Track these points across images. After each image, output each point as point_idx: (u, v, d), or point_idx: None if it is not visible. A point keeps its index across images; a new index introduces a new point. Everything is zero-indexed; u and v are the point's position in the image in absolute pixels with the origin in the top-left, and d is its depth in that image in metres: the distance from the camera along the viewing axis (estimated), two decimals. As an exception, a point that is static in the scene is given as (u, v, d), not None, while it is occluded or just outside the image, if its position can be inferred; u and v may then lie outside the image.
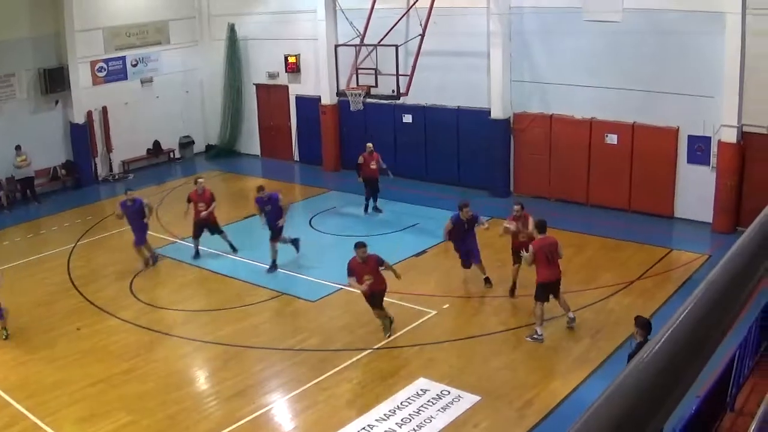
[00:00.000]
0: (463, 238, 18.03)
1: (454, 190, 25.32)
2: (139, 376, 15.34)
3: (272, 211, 20.03)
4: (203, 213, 21.02)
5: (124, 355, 16.30)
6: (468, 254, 18.13)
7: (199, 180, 21.73)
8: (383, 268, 15.81)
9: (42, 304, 18.99)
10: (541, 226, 15.69)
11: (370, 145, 23.70)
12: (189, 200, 21.36)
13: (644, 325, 11.33)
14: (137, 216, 20.43)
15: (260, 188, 20.58)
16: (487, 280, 18.16)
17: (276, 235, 20.22)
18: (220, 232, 21.54)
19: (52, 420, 13.89)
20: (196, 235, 21.34)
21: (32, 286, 20.12)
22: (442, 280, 18.08)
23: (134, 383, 15.05)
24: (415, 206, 23.99)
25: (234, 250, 21.51)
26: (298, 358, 15.47)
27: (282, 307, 18.17)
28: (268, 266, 20.17)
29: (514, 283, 17.45)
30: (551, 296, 15.58)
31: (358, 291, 15.89)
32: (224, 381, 14.92)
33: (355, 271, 15.63)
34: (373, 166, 23.42)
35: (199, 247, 21.42)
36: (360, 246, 15.56)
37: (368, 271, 15.48)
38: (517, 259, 17.01)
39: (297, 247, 20.86)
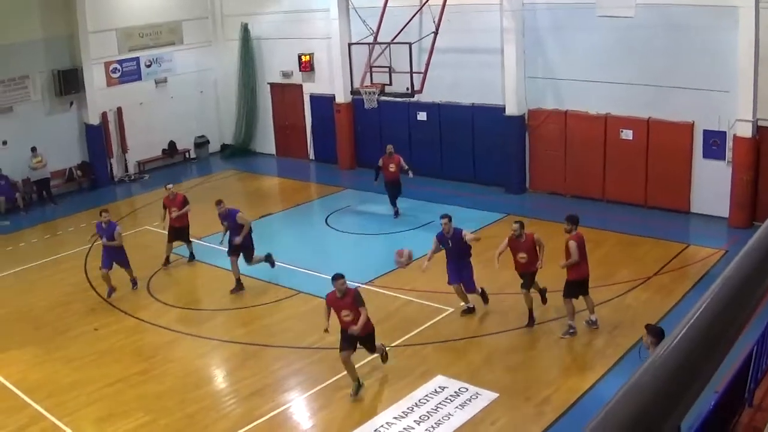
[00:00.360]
0: (450, 257, 16.60)
1: (470, 187, 25.40)
2: (157, 376, 15.40)
3: (232, 228, 19.20)
4: (173, 214, 20.96)
5: (141, 354, 16.41)
6: (457, 275, 16.52)
7: (168, 186, 21.58)
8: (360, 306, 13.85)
9: (59, 304, 19.10)
10: (575, 221, 15.43)
11: (389, 147, 23.50)
12: (164, 206, 21.35)
13: (657, 333, 11.12)
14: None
15: (219, 202, 19.37)
16: (469, 309, 16.87)
17: (233, 251, 19.15)
18: (188, 241, 21.36)
19: (70, 420, 13.98)
20: (170, 240, 21.17)
21: (49, 286, 20.25)
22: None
23: (152, 383, 15.11)
24: (431, 203, 23.84)
25: (192, 258, 21.41)
26: (316, 356, 15.48)
27: (299, 305, 18.12)
28: (232, 287, 19.28)
29: (531, 313, 16.04)
30: (580, 294, 15.49)
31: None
32: (242, 380, 14.96)
33: (332, 306, 14.00)
34: (392, 168, 23.18)
35: (171, 254, 21.29)
36: (337, 278, 13.76)
37: (346, 306, 13.82)
38: (528, 283, 15.90)
39: (272, 263, 19.70)
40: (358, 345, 14.02)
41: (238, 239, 18.88)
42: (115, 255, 19.21)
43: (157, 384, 15.07)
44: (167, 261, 21.20)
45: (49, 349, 16.93)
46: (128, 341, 17.12)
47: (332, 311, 13.96)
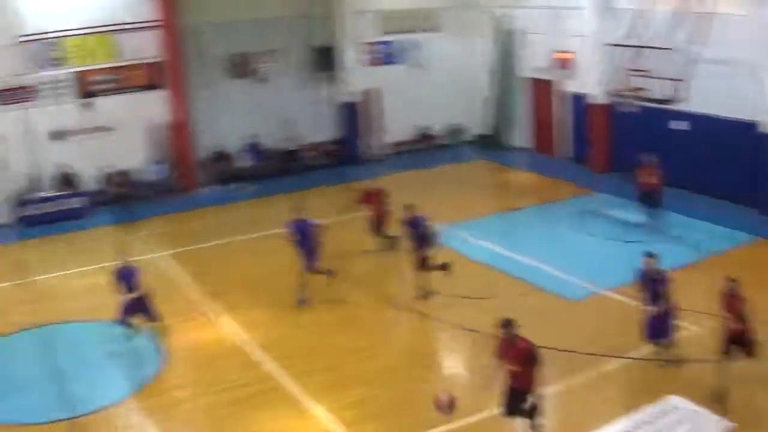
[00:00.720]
0: (649, 299, 14.69)
1: (722, 204, 24.13)
2: (388, 353, 15.72)
3: (418, 236, 18.34)
4: (370, 208, 21.14)
5: (375, 330, 16.94)
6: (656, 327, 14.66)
7: (367, 181, 22.04)
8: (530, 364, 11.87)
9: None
10: None
11: (647, 156, 22.34)
12: (361, 201, 21.53)
13: None
14: (307, 238, 18.32)
15: (408, 207, 18.76)
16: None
17: (420, 261, 18.36)
18: (385, 235, 21.24)
19: (301, 383, 14.60)
20: (374, 232, 21.24)
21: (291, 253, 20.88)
22: (707, 296, 15.92)
23: (381, 359, 15.51)
24: (681, 217, 22.93)
25: (392, 247, 21.02)
26: (547, 357, 15.15)
27: (538, 302, 17.78)
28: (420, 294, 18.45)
29: (722, 392, 13.49)
30: None
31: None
32: (474, 369, 14.92)
33: (499, 353, 12.10)
34: (648, 179, 22.11)
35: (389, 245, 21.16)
36: (504, 324, 11.92)
37: (512, 357, 11.94)
38: (727, 353, 13.71)
39: (446, 269, 18.65)
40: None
41: (427, 249, 18.28)
42: (309, 254, 18.50)
43: (386, 360, 15.37)
44: (379, 250, 21.29)
45: (288, 313, 17.75)
46: (363, 315, 17.58)
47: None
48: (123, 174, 28.19)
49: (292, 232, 18.48)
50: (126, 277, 16.38)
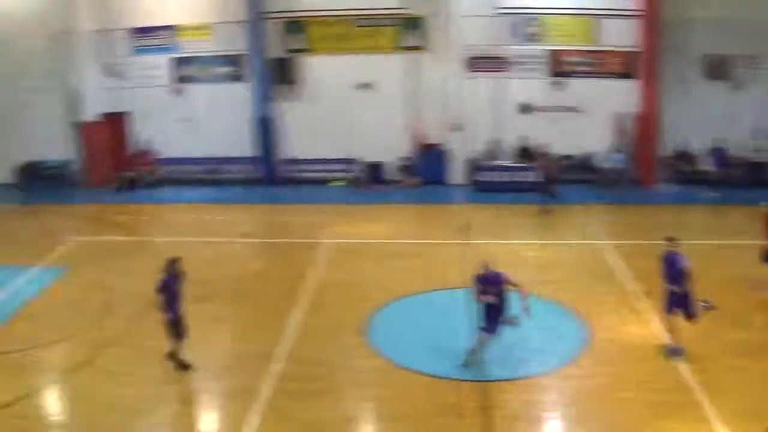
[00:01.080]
0: None
1: None
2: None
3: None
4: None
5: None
6: None
7: (762, 204, 19.63)
8: None
9: (722, 284, 18.88)
10: None
11: None
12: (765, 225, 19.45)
13: None
14: (677, 275, 15.65)
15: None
16: None
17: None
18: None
19: (716, 402, 13.86)
20: (764, 259, 19.25)
21: (714, 265, 20.14)
22: None
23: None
24: None
25: None
26: None
27: None
28: None
29: None
30: None
31: None
32: None
33: None
34: None
35: None
36: None
37: None
38: None
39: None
40: None
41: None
42: (676, 298, 15.81)
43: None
44: None
45: (716, 329, 16.79)
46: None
47: None
48: (587, 158, 28.94)
49: (663, 264, 16.16)
50: (489, 283, 15.10)
